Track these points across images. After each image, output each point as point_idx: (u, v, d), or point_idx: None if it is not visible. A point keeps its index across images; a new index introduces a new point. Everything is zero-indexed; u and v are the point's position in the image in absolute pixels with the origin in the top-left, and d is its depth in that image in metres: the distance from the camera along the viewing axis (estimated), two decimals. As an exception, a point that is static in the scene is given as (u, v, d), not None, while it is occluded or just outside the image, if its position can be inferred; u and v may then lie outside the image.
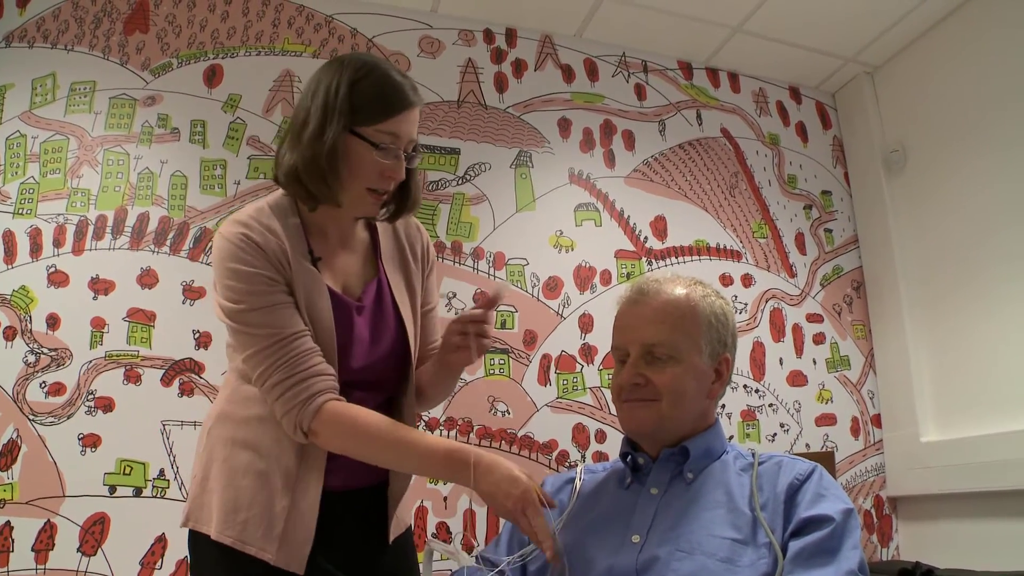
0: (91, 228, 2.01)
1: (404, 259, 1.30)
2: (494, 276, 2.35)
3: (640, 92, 2.74)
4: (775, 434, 2.53)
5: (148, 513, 1.86)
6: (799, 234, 2.82)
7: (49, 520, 1.78)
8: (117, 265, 2.01)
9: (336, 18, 2.43)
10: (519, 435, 2.24)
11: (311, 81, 1.17)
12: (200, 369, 2.00)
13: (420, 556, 1.30)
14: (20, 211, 1.97)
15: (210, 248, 2.08)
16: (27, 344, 1.88)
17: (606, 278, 2.49)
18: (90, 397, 1.89)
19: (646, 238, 2.58)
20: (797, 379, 2.63)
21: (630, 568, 1.04)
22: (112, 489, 1.85)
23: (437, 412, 2.17)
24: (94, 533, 1.80)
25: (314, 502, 1.11)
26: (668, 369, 1.14)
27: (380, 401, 1.24)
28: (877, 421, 2.69)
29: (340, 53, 2.34)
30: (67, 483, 1.82)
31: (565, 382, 2.34)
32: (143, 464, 1.89)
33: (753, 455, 1.16)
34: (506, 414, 2.24)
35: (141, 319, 1.99)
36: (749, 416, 2.52)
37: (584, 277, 2.46)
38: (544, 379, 2.32)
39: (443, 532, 2.10)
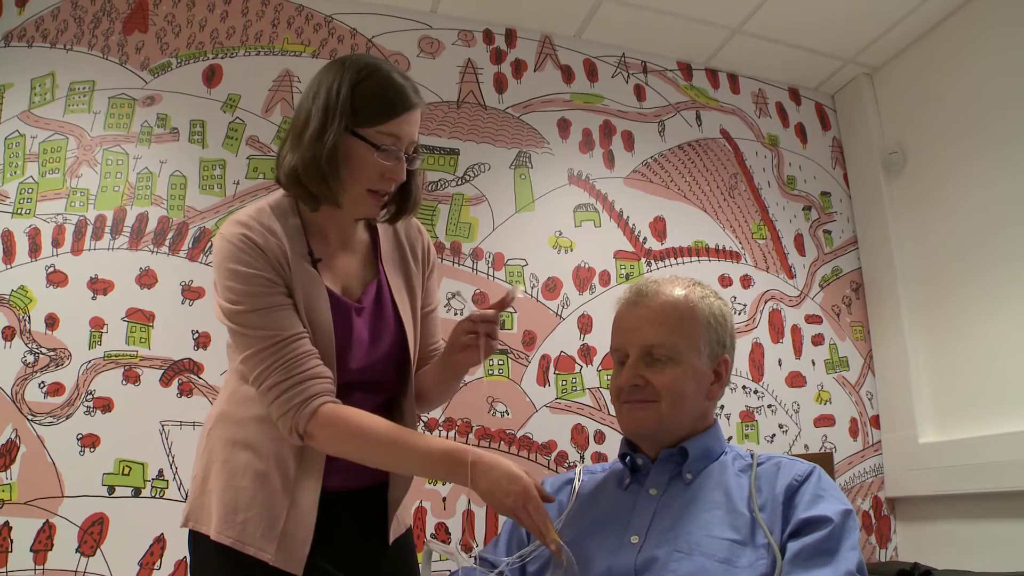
0: (90, 228, 2.01)
1: (404, 260, 1.30)
2: (493, 277, 2.35)
3: (640, 93, 2.75)
4: (774, 435, 2.54)
5: (147, 513, 1.85)
6: (798, 235, 2.82)
7: (48, 520, 1.78)
8: (116, 265, 2.00)
9: (335, 18, 2.43)
10: (518, 436, 2.24)
11: (312, 82, 1.17)
12: (199, 369, 2.00)
13: (419, 557, 1.30)
14: (19, 211, 1.97)
15: (209, 248, 2.08)
16: (26, 344, 1.88)
17: (605, 279, 2.49)
18: (89, 397, 1.89)
19: (645, 239, 2.59)
20: (796, 380, 2.63)
21: (629, 568, 1.04)
22: (111, 489, 1.85)
23: (436, 413, 2.17)
24: (93, 533, 1.80)
25: (313, 503, 1.11)
26: (667, 370, 1.14)
27: (380, 402, 1.24)
28: (876, 422, 2.69)
29: (340, 53, 2.35)
30: (66, 483, 1.81)
31: (564, 383, 2.34)
32: (142, 464, 1.89)
33: (752, 456, 1.17)
34: (505, 415, 2.24)
35: (140, 319, 1.99)
36: (748, 417, 2.52)
37: (583, 278, 2.46)
38: (543, 380, 2.32)
39: (442, 533, 2.10)
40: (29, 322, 1.90)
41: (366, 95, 1.12)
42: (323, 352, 1.12)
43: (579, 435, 2.31)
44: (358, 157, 1.12)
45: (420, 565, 1.26)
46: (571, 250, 2.48)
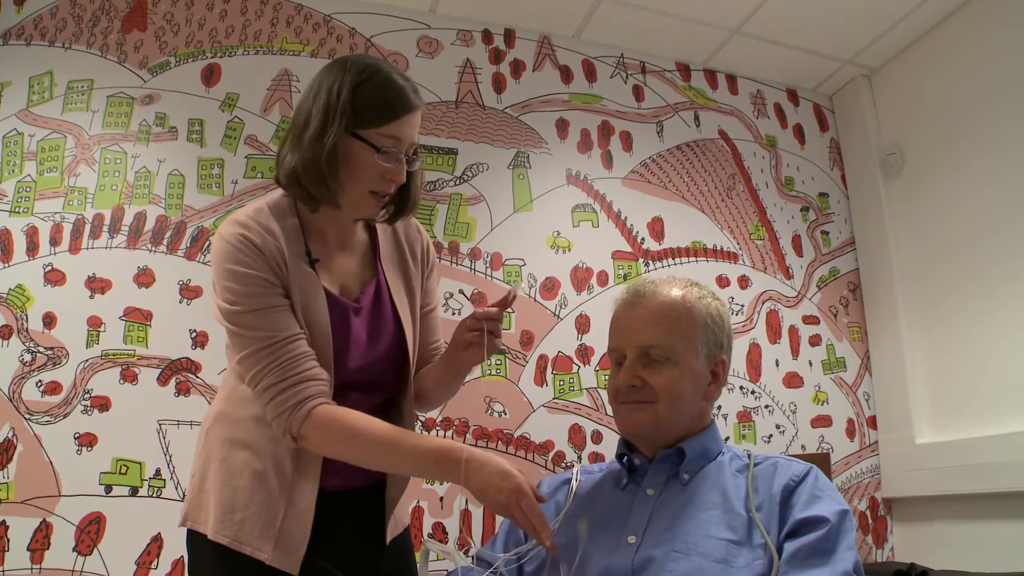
0: (88, 227, 2.01)
1: (403, 260, 1.30)
2: (491, 277, 2.35)
3: (638, 93, 2.75)
4: (771, 435, 2.54)
5: (144, 513, 1.85)
6: (796, 236, 2.83)
7: (45, 519, 1.78)
8: (114, 264, 2.00)
9: (334, 17, 2.43)
10: (515, 435, 2.24)
11: (313, 82, 1.17)
12: (197, 368, 2.00)
13: (417, 556, 1.30)
14: (17, 209, 1.97)
15: (207, 247, 2.08)
16: (23, 343, 1.88)
17: (603, 279, 2.49)
18: (86, 396, 1.89)
19: (643, 239, 2.59)
20: (793, 381, 2.64)
21: (626, 568, 1.04)
22: (108, 488, 1.85)
23: (434, 412, 2.17)
24: (90, 532, 1.80)
25: (311, 502, 1.11)
26: (665, 371, 1.14)
27: (378, 402, 1.24)
28: (873, 423, 2.70)
29: (338, 53, 2.35)
30: (63, 482, 1.81)
31: (562, 383, 2.34)
32: (139, 464, 1.89)
33: (749, 456, 1.17)
34: (502, 414, 2.24)
35: (138, 318, 1.99)
36: (745, 417, 2.52)
37: (581, 278, 2.47)
38: (541, 380, 2.32)
39: (439, 532, 2.10)
40: (26, 321, 1.89)
41: (367, 97, 1.12)
42: (320, 352, 1.12)
43: (576, 435, 2.31)
44: (358, 158, 1.12)
45: (417, 564, 1.26)
46: (569, 250, 2.48)
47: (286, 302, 1.11)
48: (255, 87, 2.28)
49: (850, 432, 2.66)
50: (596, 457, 2.30)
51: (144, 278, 2.02)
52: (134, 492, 1.86)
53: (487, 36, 2.60)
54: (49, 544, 1.76)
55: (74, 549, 1.78)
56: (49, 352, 1.89)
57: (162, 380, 1.96)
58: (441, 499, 2.12)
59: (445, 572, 1.28)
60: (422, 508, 2.09)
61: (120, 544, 1.81)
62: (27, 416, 1.83)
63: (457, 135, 2.45)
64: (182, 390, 1.97)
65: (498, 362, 2.28)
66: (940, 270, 2.53)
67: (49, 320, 1.91)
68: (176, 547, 1.83)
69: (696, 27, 2.65)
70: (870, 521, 2.57)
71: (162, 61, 2.21)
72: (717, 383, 1.20)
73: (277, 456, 1.11)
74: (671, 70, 2.83)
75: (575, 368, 2.37)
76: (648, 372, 1.15)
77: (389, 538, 1.24)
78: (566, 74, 2.66)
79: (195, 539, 1.14)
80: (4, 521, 1.75)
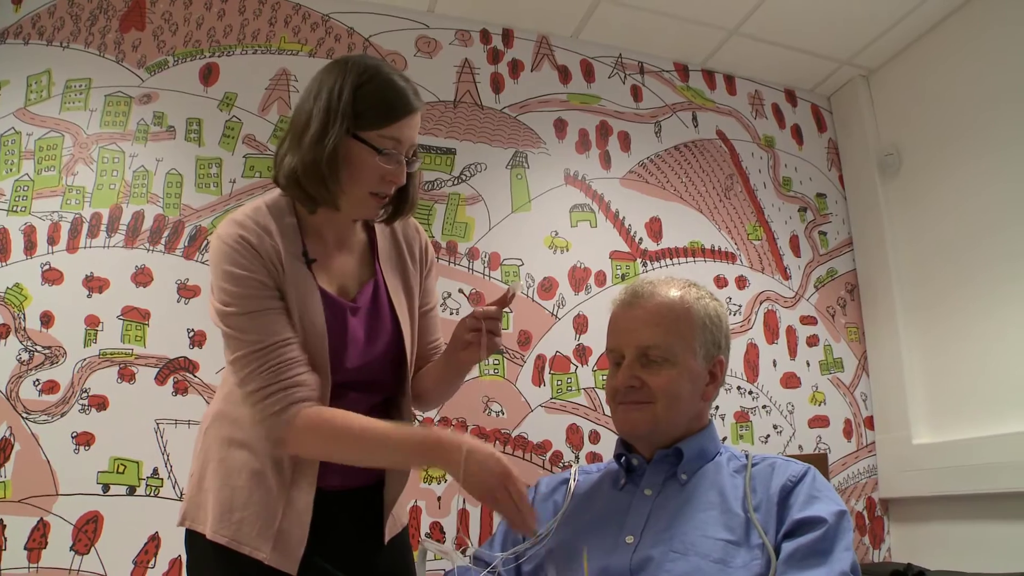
0: (86, 226, 2.00)
1: (402, 260, 1.30)
2: (489, 277, 2.35)
3: (636, 94, 2.75)
4: (768, 436, 2.54)
5: (142, 512, 1.85)
6: (794, 236, 2.83)
7: (42, 519, 1.77)
8: (112, 263, 2.00)
9: (333, 17, 2.43)
10: (513, 435, 2.24)
11: (312, 83, 1.16)
12: (194, 368, 2.00)
13: (415, 556, 1.30)
14: (14, 208, 1.96)
15: (205, 246, 2.08)
16: (21, 342, 1.87)
17: (601, 279, 2.49)
18: (84, 395, 1.89)
19: (641, 239, 2.59)
20: (790, 381, 2.64)
21: (624, 569, 1.04)
22: (105, 488, 1.84)
23: (431, 412, 2.17)
24: (87, 532, 1.80)
25: (309, 502, 1.11)
26: (663, 371, 1.15)
27: (377, 402, 1.24)
28: (870, 423, 2.70)
29: (336, 52, 2.35)
30: (60, 481, 1.81)
31: (559, 383, 2.34)
32: (137, 463, 1.89)
33: (746, 456, 1.17)
34: (500, 414, 2.25)
35: (135, 317, 1.98)
36: (742, 418, 2.53)
37: (579, 278, 2.47)
38: (538, 379, 2.32)
39: (436, 532, 2.10)
40: (24, 320, 1.89)
41: (368, 98, 1.12)
42: (316, 353, 1.12)
43: (574, 435, 2.31)
44: (359, 160, 1.12)
45: (415, 564, 1.26)
46: (567, 250, 2.48)
47: (280, 304, 1.11)
48: (253, 86, 2.28)
49: (847, 432, 2.66)
50: (594, 457, 2.30)
51: (142, 277, 2.02)
52: (132, 491, 1.86)
53: (485, 36, 2.60)
54: (46, 543, 1.76)
55: (71, 548, 1.78)
56: (47, 351, 1.89)
57: (160, 379, 1.96)
58: (439, 499, 2.12)
59: (443, 572, 1.28)
60: (420, 508, 2.09)
61: (117, 543, 1.81)
62: (24, 415, 1.83)
63: (455, 135, 2.45)
64: (180, 389, 1.97)
65: (496, 362, 2.29)
66: (938, 271, 2.54)
67: (47, 319, 1.91)
68: (173, 546, 1.83)
69: (694, 27, 2.65)
70: (867, 521, 2.57)
71: (160, 60, 2.21)
72: (715, 383, 1.20)
73: (276, 456, 1.11)
74: (669, 70, 2.83)
75: (573, 368, 2.37)
76: (646, 372, 1.15)
77: (387, 538, 1.24)
78: (564, 74, 2.66)
79: (193, 539, 1.14)
80: (1, 520, 1.75)
